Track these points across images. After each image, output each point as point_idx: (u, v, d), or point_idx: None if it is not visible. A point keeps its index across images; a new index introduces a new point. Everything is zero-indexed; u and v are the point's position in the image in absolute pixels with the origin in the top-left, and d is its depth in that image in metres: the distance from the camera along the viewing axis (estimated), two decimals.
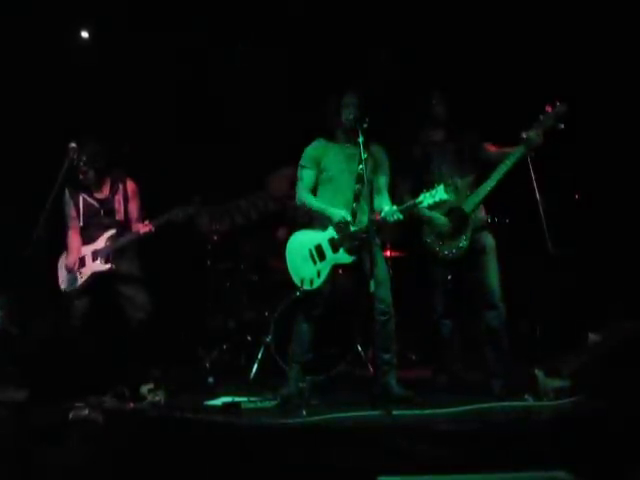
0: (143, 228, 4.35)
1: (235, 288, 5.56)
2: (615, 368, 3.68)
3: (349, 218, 3.97)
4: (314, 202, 4.12)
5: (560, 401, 3.71)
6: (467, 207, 4.17)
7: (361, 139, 3.86)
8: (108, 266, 4.38)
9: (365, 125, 3.89)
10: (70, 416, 3.46)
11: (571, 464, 2.45)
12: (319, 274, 4.02)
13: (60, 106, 5.54)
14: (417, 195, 3.80)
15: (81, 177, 4.41)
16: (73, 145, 4.21)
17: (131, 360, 4.35)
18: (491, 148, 4.27)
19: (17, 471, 2.78)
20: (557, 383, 3.89)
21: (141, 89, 5.72)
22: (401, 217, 3.84)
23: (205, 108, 6.00)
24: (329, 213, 4.02)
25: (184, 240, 5.59)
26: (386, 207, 3.92)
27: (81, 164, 4.36)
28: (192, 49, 5.83)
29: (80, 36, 5.79)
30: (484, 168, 4.21)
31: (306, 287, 4.04)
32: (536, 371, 4.10)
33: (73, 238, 4.49)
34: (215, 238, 5.54)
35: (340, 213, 3.98)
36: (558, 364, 4.00)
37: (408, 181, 4.36)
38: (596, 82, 5.13)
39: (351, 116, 4.01)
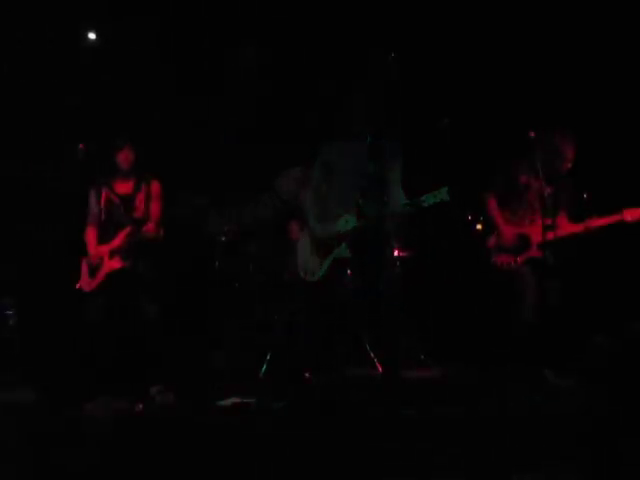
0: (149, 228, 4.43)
1: (244, 289, 5.57)
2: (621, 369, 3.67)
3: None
4: None
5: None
6: None
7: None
8: (123, 263, 4.41)
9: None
10: (80, 417, 3.48)
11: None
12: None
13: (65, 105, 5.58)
14: None
15: (121, 162, 4.50)
16: (81, 147, 4.29)
17: (140, 361, 4.37)
18: None
19: (25, 472, 2.80)
20: (566, 383, 3.88)
21: (152, 88, 5.74)
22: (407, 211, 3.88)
23: (214, 106, 6.01)
24: None
25: (193, 241, 5.60)
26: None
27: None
28: (204, 48, 5.86)
29: (88, 37, 5.81)
30: None
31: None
32: (546, 371, 4.11)
33: (91, 236, 4.54)
34: (223, 239, 5.55)
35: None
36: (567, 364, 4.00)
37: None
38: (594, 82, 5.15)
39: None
